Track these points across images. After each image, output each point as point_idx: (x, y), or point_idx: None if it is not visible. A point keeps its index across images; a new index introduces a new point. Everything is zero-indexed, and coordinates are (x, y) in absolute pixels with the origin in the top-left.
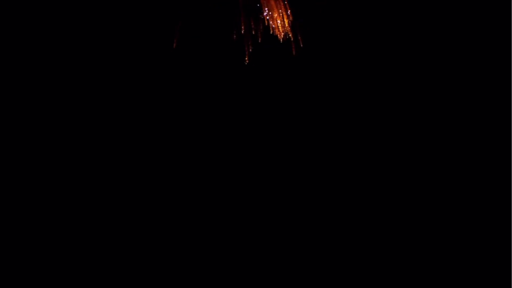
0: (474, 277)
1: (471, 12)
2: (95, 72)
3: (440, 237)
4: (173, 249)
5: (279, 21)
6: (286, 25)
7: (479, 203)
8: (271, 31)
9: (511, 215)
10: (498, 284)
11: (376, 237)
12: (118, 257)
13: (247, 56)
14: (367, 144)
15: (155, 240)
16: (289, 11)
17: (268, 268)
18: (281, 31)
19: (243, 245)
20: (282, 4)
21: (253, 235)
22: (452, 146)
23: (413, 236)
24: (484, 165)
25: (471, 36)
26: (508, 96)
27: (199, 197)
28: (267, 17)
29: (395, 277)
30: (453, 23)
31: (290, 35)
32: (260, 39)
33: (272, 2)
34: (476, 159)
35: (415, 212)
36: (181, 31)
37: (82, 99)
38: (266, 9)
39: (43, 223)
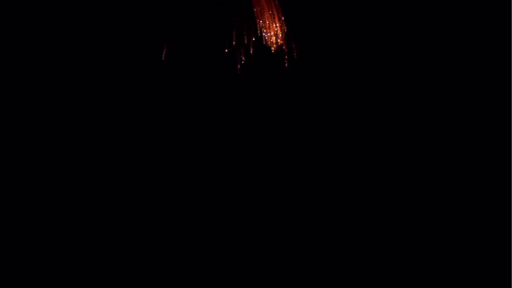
0: (474, 277)
1: (471, 12)
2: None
3: (440, 237)
4: (173, 249)
5: (272, 32)
6: (279, 35)
7: (479, 203)
8: (264, 42)
9: (511, 215)
10: (498, 284)
11: (376, 237)
12: (118, 257)
13: (238, 69)
14: (361, 159)
15: (155, 240)
16: (282, 18)
17: (268, 268)
18: (274, 42)
19: (243, 245)
20: (276, 13)
21: (253, 235)
22: (452, 146)
23: (413, 236)
24: (484, 165)
25: (471, 36)
26: (508, 96)
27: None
28: (260, 27)
29: (395, 277)
30: (452, 24)
31: (284, 46)
32: (252, 50)
33: (266, 10)
34: (476, 159)
35: (415, 212)
36: (170, 42)
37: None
38: (259, 20)
39: (43, 223)
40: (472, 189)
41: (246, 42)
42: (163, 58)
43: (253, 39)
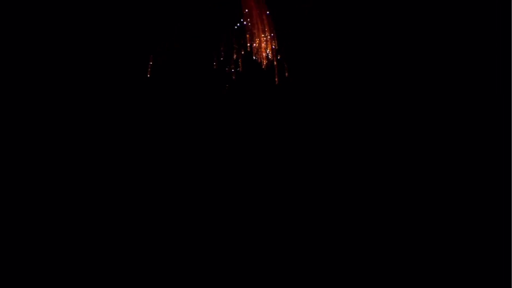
0: (474, 277)
1: (470, 12)
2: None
3: (440, 237)
4: (173, 249)
5: (263, 46)
6: (269, 50)
7: (479, 203)
8: (254, 57)
9: (511, 215)
10: (498, 284)
11: (376, 237)
12: (118, 257)
13: (227, 85)
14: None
15: (155, 240)
16: (273, 32)
17: (268, 268)
18: (264, 57)
19: (243, 245)
20: (267, 27)
21: (253, 236)
22: (452, 146)
23: (413, 236)
24: (484, 165)
25: (470, 36)
26: (508, 96)
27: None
28: (250, 42)
29: (395, 277)
30: (451, 24)
31: (274, 62)
32: (240, 67)
33: (259, 24)
34: (476, 159)
35: (415, 212)
36: (156, 59)
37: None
38: (248, 35)
39: (43, 223)
40: (472, 189)
41: (235, 58)
42: (148, 75)
43: (242, 52)
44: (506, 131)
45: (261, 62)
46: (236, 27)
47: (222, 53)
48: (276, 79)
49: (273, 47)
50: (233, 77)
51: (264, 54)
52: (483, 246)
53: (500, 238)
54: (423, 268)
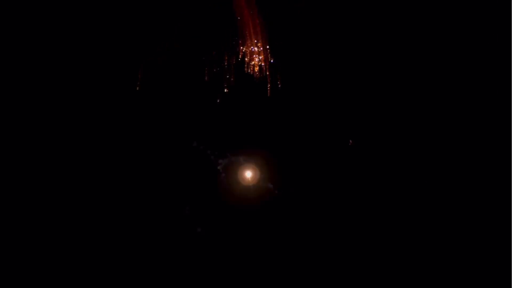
0: (474, 277)
1: (469, 12)
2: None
3: (440, 237)
4: (173, 249)
5: (256, 58)
6: (262, 62)
7: (479, 203)
8: (246, 69)
9: (511, 215)
10: (498, 284)
11: (376, 237)
12: (118, 257)
13: (219, 97)
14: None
15: (155, 240)
16: (266, 44)
17: (268, 268)
18: (257, 68)
19: (243, 246)
20: (260, 38)
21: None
22: (452, 146)
23: (413, 236)
24: (484, 165)
25: (469, 36)
26: (508, 96)
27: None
28: (242, 53)
29: (395, 277)
30: (451, 24)
31: (267, 73)
32: (233, 78)
33: (252, 37)
34: (476, 159)
35: (415, 212)
36: (146, 69)
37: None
38: (241, 45)
39: (43, 223)
40: (472, 189)
41: (227, 67)
42: (137, 88)
43: (234, 68)
44: (506, 131)
45: (253, 70)
46: (228, 30)
47: (214, 53)
48: (269, 91)
49: (265, 53)
50: (226, 90)
51: (256, 58)
52: (483, 246)
53: (500, 238)
54: (423, 268)
